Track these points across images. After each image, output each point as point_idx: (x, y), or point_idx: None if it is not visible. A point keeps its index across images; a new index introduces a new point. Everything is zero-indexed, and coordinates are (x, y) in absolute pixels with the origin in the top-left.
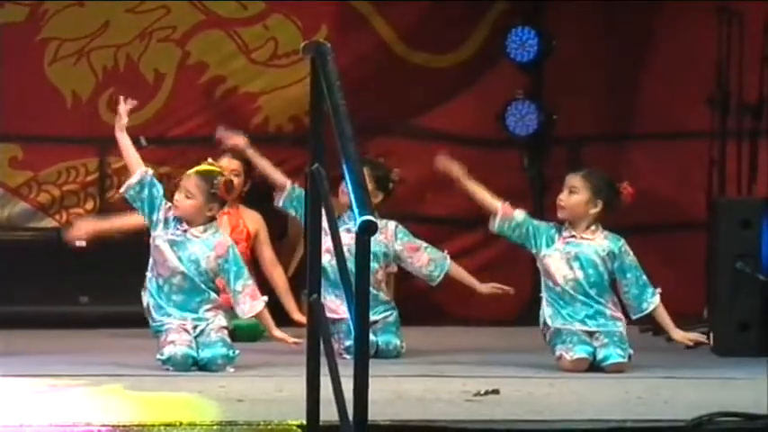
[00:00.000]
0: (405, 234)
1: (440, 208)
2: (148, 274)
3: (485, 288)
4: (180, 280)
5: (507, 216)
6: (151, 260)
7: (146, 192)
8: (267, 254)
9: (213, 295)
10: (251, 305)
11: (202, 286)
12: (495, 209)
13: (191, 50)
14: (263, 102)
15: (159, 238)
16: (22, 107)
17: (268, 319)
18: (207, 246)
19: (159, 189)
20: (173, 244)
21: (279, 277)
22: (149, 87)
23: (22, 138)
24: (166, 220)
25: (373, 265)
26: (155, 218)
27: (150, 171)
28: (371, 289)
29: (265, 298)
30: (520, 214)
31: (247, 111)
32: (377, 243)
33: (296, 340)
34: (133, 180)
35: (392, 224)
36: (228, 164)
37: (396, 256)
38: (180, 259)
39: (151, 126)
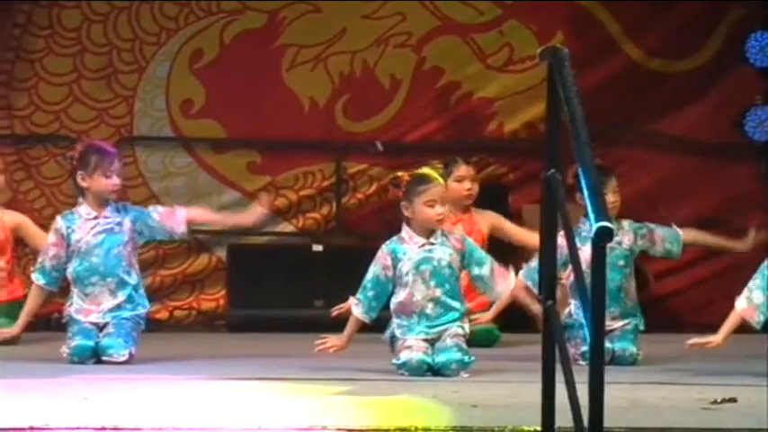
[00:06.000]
0: (639, 227)
1: (673, 217)
2: (395, 320)
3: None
4: (432, 307)
5: None
6: (395, 303)
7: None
8: (514, 231)
9: (460, 308)
10: (505, 285)
11: (450, 302)
12: None
13: (426, 56)
14: (498, 107)
15: (404, 276)
16: (260, 113)
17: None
18: (445, 246)
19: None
20: (417, 268)
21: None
22: (385, 93)
23: (261, 143)
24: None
25: (616, 274)
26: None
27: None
28: (621, 295)
29: (512, 274)
30: None
31: (482, 116)
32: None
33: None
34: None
35: (625, 224)
36: (466, 171)
37: (640, 252)
38: (431, 275)
39: (386, 131)
